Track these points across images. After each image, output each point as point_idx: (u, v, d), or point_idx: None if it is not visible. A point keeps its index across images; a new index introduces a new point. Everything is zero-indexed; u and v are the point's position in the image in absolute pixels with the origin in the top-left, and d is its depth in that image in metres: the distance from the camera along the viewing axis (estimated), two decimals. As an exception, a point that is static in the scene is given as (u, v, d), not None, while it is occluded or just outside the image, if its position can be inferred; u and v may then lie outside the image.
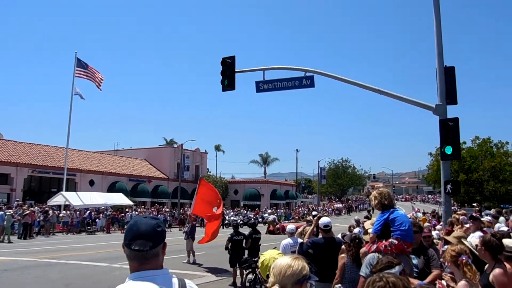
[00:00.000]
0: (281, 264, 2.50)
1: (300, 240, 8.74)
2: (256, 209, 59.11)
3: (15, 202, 36.12)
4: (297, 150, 79.90)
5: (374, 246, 4.95)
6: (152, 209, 46.59)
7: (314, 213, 16.23)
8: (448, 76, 12.44)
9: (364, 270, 4.79)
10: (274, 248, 11.58)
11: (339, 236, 7.80)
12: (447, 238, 6.64)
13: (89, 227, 35.50)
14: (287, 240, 8.67)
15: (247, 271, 12.01)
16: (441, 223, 13.29)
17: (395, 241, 4.79)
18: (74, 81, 39.96)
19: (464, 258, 4.06)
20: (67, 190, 39.74)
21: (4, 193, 42.49)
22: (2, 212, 26.99)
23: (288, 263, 2.49)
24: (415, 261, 5.52)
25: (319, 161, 79.40)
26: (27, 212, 29.06)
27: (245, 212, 53.75)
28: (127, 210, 41.36)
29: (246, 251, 13.51)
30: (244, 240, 13.72)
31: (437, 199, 78.41)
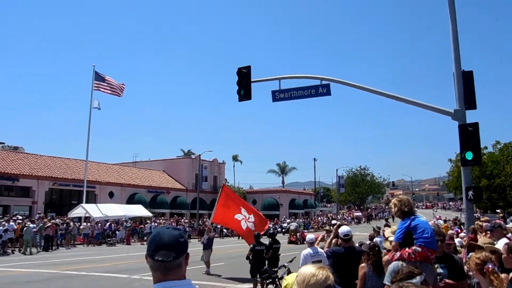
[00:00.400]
0: (305, 273, 2.48)
1: (320, 250, 8.66)
2: (275, 218, 58.89)
3: (37, 215, 36.64)
4: (314, 159, 79.70)
5: (398, 254, 4.88)
6: (171, 220, 46.76)
7: (333, 222, 16.12)
8: (466, 81, 12.28)
9: (388, 279, 4.71)
10: (294, 258, 11.54)
11: (357, 245, 7.71)
12: (480, 244, 6.47)
13: (109, 239, 35.77)
14: (307, 250, 8.58)
15: (268, 281, 11.93)
16: (464, 230, 13.06)
17: (419, 249, 4.71)
18: (92, 95, 40.60)
19: (490, 266, 3.96)
20: (87, 202, 40.20)
21: (26, 206, 43.18)
22: (34, 225, 28.07)
23: (312, 272, 2.46)
24: (442, 270, 5.40)
25: (337, 170, 79.19)
26: (49, 224, 29.44)
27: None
28: (146, 221, 41.60)
29: (266, 261, 13.45)
30: (265, 250, 13.66)
31: (459, 206, 77.20)
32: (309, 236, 9.55)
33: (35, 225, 28.39)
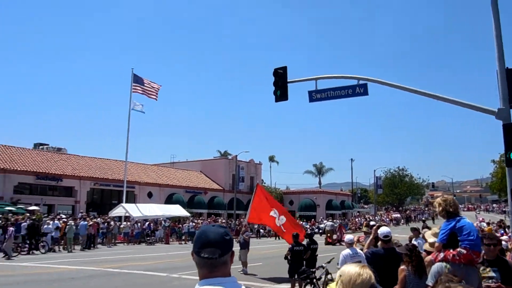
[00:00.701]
0: (350, 272, 2.49)
1: (359, 251, 8.59)
2: (312, 219, 58.57)
3: (79, 214, 37.74)
4: (351, 159, 78.77)
5: (441, 255, 4.79)
6: (209, 220, 47.22)
7: (371, 223, 15.91)
8: (510, 79, 11.90)
9: (431, 280, 4.64)
10: (332, 259, 11.47)
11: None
12: None
13: (148, 238, 36.46)
14: (347, 251, 8.53)
15: (306, 281, 11.91)
16: (510, 233, 12.66)
17: (464, 251, 4.61)
18: (131, 97, 41.47)
19: None
20: (127, 202, 41.06)
21: (69, 205, 44.61)
22: (85, 222, 29.45)
23: (357, 271, 2.48)
24: (494, 274, 5.25)
25: (374, 170, 77.77)
26: (91, 223, 30.29)
27: (301, 223, 53.39)
28: (184, 221, 42.17)
29: (304, 262, 13.43)
30: (303, 251, 13.63)
31: (503, 208, 74.69)
32: (348, 236, 9.50)
33: (86, 223, 29.50)
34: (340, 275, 2.55)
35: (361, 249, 8.95)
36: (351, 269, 2.51)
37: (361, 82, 15.36)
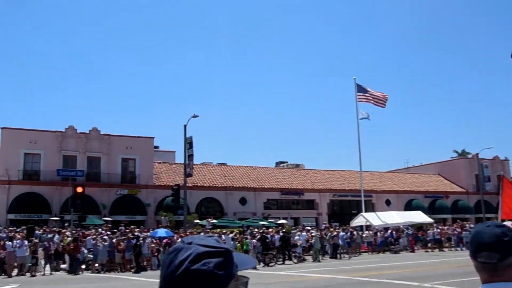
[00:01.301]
0: None
1: None
2: None
3: (323, 225, 39.72)
4: None
5: None
6: (455, 226, 44.16)
7: None
8: None
9: None
10: None
11: None
12: None
13: (392, 247, 35.97)
14: None
15: None
16: None
17: None
18: (357, 106, 42.18)
19: None
20: (365, 211, 41.49)
21: (312, 217, 47.46)
22: (343, 233, 31.99)
23: None
24: None
25: None
26: (335, 233, 31.59)
27: None
28: (428, 228, 40.35)
29: None
30: None
31: None
32: None
33: (344, 233, 31.85)
34: None
35: None
36: None
37: None
